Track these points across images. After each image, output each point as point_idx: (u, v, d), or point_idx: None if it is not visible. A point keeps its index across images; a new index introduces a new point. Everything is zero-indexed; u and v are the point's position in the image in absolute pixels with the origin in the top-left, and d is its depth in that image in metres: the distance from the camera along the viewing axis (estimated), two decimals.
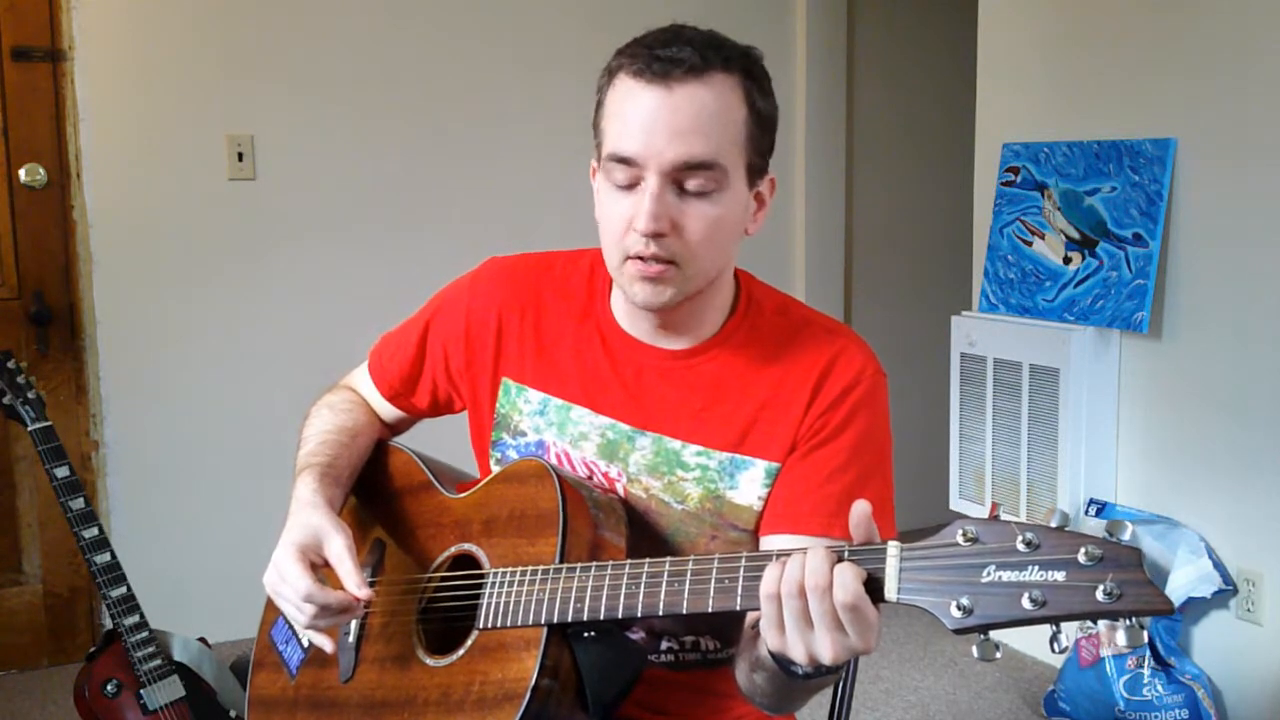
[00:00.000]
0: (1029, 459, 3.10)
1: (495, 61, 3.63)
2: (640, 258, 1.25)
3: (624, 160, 1.24)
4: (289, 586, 1.27)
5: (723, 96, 1.23)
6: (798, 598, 1.02)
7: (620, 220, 1.26)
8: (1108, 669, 2.80)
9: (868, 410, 1.33)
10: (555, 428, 1.40)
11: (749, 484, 1.33)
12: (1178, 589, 2.76)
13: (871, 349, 1.37)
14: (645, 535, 1.36)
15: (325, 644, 1.29)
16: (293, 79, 3.40)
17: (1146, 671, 2.76)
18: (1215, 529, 2.81)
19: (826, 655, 1.02)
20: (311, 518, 1.32)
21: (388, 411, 1.58)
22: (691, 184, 1.24)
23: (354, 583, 1.26)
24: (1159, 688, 2.73)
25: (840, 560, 1.02)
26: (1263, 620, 2.73)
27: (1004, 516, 0.96)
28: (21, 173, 3.14)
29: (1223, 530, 2.79)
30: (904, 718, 3.01)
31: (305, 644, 1.45)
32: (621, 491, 1.37)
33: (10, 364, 2.32)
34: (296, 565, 1.28)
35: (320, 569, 1.30)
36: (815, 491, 1.30)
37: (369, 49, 3.48)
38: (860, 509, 1.04)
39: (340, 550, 1.28)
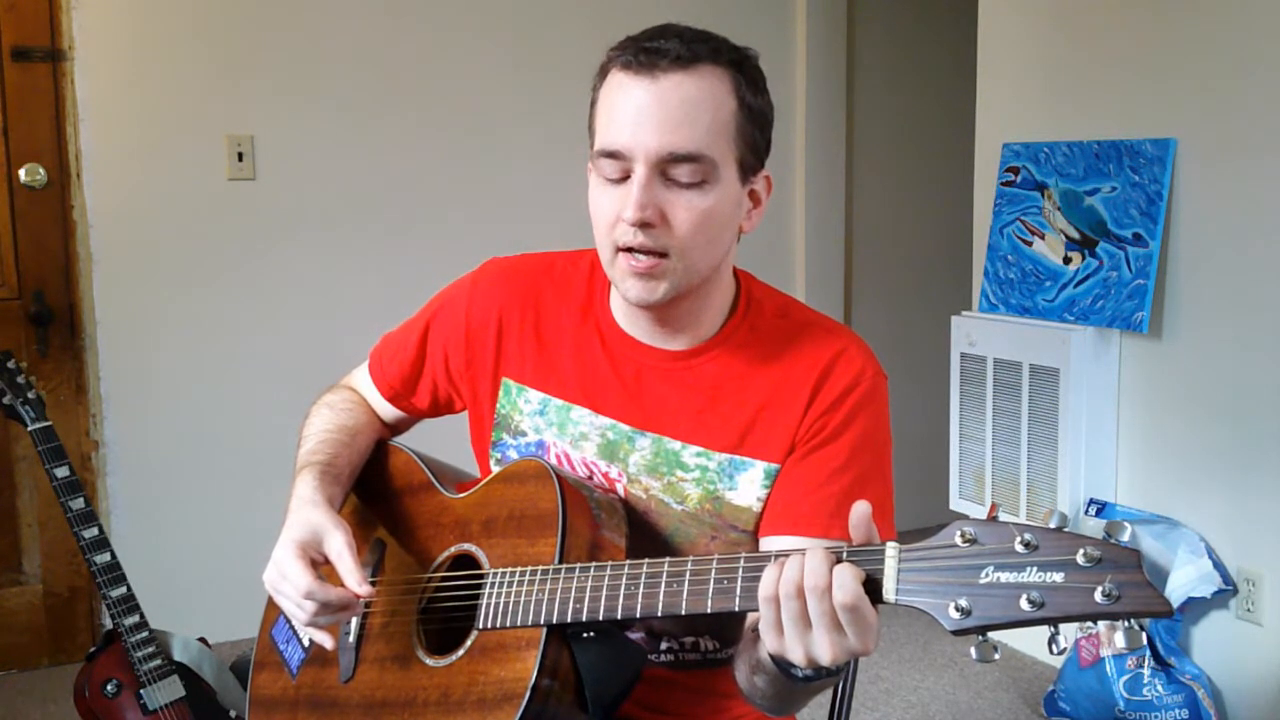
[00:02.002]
0: (1029, 459, 3.10)
1: (495, 62, 3.63)
2: (630, 249, 1.25)
3: (612, 154, 1.24)
4: (289, 584, 1.27)
5: (709, 87, 1.23)
6: (796, 599, 1.02)
7: (610, 213, 1.26)
8: (1108, 669, 2.80)
9: (867, 411, 1.32)
10: (555, 428, 1.40)
11: (748, 485, 1.33)
12: (1178, 589, 2.76)
13: (872, 350, 1.37)
14: (645, 536, 1.36)
15: (326, 641, 1.29)
16: (293, 79, 3.40)
17: (1146, 671, 2.76)
18: (1215, 529, 2.81)
19: (825, 656, 1.02)
20: (311, 515, 1.32)
21: (388, 412, 1.58)
22: (680, 175, 1.23)
23: (354, 580, 1.26)
24: (1159, 688, 2.73)
25: (839, 561, 1.02)
26: (1263, 620, 2.73)
27: (1003, 517, 0.96)
28: (21, 173, 3.14)
29: (1223, 530, 2.79)
30: (904, 718, 3.01)
31: (306, 644, 1.45)
32: (621, 492, 1.37)
33: (10, 364, 2.32)
34: (297, 562, 1.27)
35: (320, 566, 1.30)
36: (815, 492, 1.29)
37: (369, 49, 3.48)
38: (860, 510, 1.04)
39: (340, 547, 1.28)
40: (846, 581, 1.00)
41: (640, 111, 1.22)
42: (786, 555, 1.05)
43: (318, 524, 1.31)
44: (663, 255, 1.25)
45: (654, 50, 1.23)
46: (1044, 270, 3.13)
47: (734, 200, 1.29)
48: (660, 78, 1.22)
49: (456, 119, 3.59)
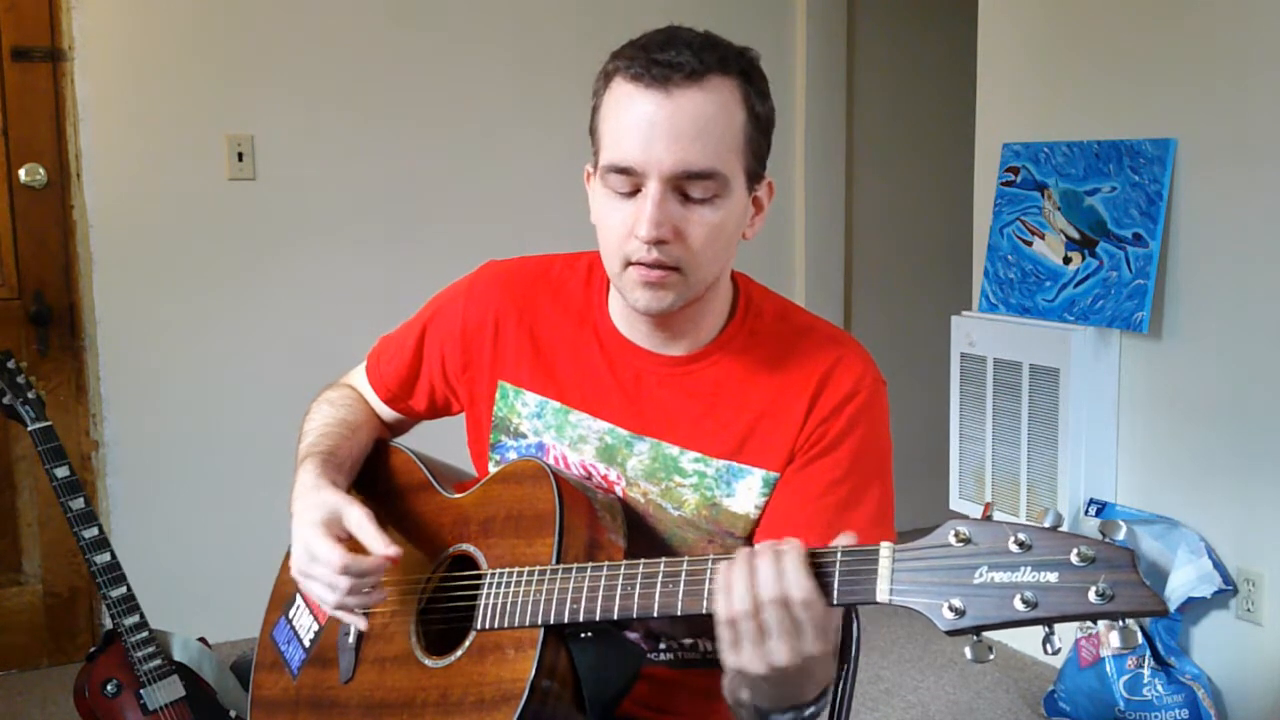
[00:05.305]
0: (1029, 459, 3.10)
1: (495, 63, 3.63)
2: (643, 264, 1.24)
3: (623, 170, 1.23)
4: (321, 565, 1.27)
5: (722, 102, 1.22)
6: (751, 619, 1.05)
7: (621, 227, 1.25)
8: (1108, 669, 2.80)
9: (866, 420, 1.32)
10: (554, 430, 1.40)
11: (745, 493, 1.33)
12: (1178, 589, 2.76)
13: (871, 357, 1.37)
14: (643, 540, 1.36)
15: (360, 622, 1.29)
16: (293, 79, 3.40)
17: (1146, 671, 2.76)
18: (1215, 529, 2.81)
19: (782, 659, 1.05)
20: (324, 496, 1.33)
21: (386, 413, 1.58)
22: (693, 191, 1.23)
23: (380, 545, 1.27)
24: (1159, 688, 2.73)
25: (815, 560, 1.05)
26: (1263, 620, 2.73)
27: (999, 516, 0.96)
28: (21, 173, 3.14)
29: (1223, 530, 2.79)
30: (904, 718, 3.01)
31: (307, 644, 1.45)
32: (620, 495, 1.37)
33: (10, 364, 2.33)
34: (326, 540, 1.28)
35: (344, 543, 1.30)
36: (813, 503, 1.30)
37: (369, 50, 3.48)
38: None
39: (360, 519, 1.29)
40: (803, 581, 1.02)
41: (653, 127, 1.21)
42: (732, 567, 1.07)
43: (333, 502, 1.32)
44: (675, 269, 1.25)
45: (666, 63, 1.21)
46: (1044, 270, 3.13)
47: (742, 210, 1.29)
48: (674, 93, 1.20)
49: (457, 119, 3.59)
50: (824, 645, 1.04)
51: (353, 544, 1.30)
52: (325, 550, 1.27)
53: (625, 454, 1.37)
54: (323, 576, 1.28)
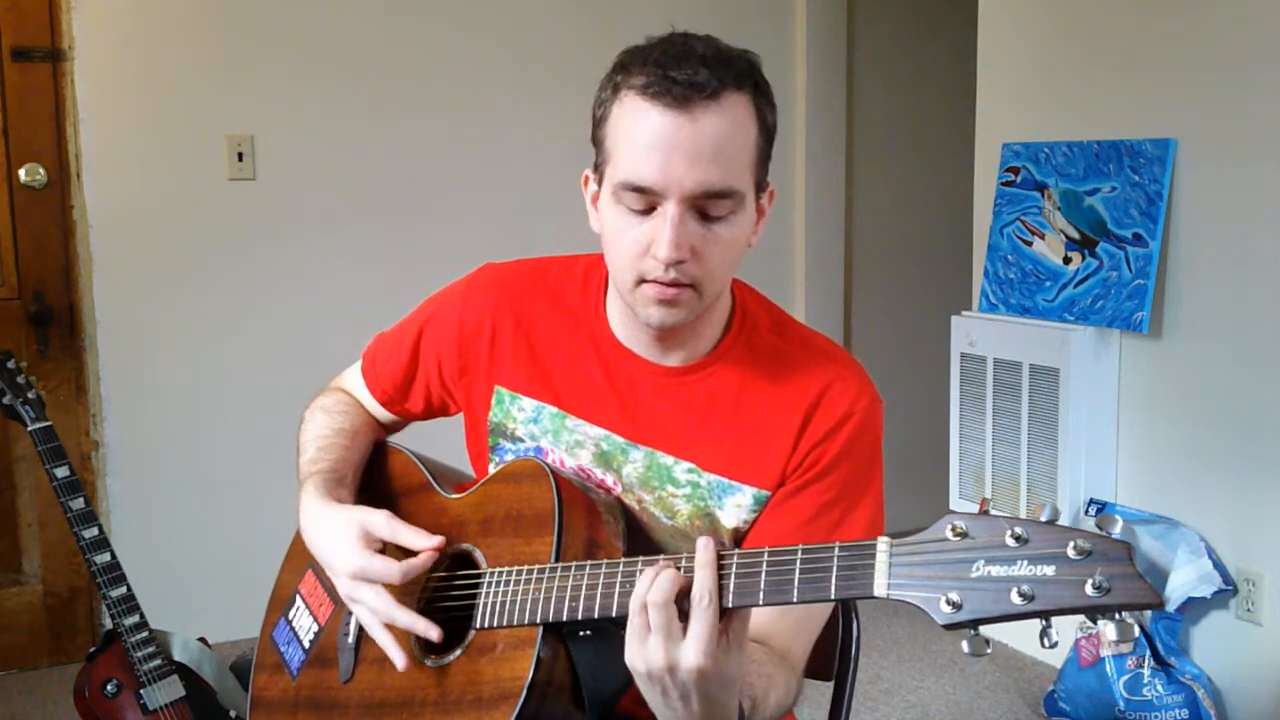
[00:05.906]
0: (1029, 459, 3.10)
1: (495, 63, 3.63)
2: (659, 282, 1.23)
3: (640, 190, 1.21)
4: (372, 590, 1.27)
5: (738, 118, 1.21)
6: (663, 609, 1.07)
7: (635, 245, 1.23)
8: (1108, 669, 2.79)
9: (860, 444, 1.32)
10: (551, 435, 1.40)
11: (734, 509, 1.34)
12: (1178, 589, 2.76)
13: (867, 375, 1.36)
14: (639, 545, 1.36)
15: (433, 631, 1.26)
16: (293, 79, 3.40)
17: (1146, 671, 2.76)
18: (1215, 529, 2.80)
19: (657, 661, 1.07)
20: (342, 515, 1.34)
21: (382, 415, 1.58)
22: (710, 209, 1.22)
23: (422, 540, 1.29)
24: (1159, 688, 2.73)
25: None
26: (1263, 620, 2.73)
27: (994, 512, 0.96)
28: (21, 173, 3.14)
29: (1223, 530, 2.79)
30: (904, 718, 3.01)
31: (306, 645, 1.46)
32: (617, 499, 1.38)
33: (10, 364, 2.33)
34: (375, 557, 1.29)
35: (383, 553, 1.30)
36: (804, 527, 1.30)
37: (369, 50, 3.48)
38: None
39: (387, 523, 1.31)
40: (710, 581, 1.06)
41: (674, 149, 1.19)
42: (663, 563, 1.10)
43: (355, 519, 1.32)
44: (690, 285, 1.24)
45: (685, 82, 1.18)
46: (1044, 270, 3.13)
47: (752, 222, 1.28)
48: (695, 114, 1.18)
49: (457, 119, 3.59)
50: (704, 661, 1.05)
51: (387, 551, 1.31)
52: (380, 566, 1.27)
53: (621, 461, 1.37)
54: (372, 600, 1.28)
